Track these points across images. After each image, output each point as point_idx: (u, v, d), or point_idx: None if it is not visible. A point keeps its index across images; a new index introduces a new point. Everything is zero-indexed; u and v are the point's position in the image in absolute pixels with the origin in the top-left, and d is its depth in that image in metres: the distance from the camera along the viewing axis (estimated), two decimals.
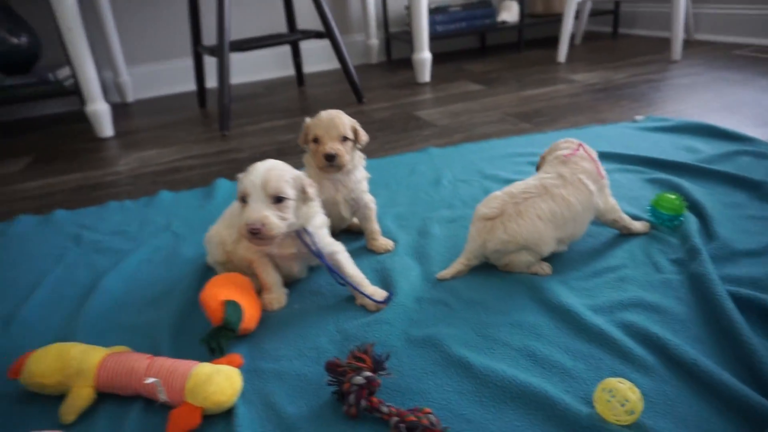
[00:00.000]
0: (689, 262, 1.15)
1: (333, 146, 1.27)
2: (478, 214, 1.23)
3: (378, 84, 3.45)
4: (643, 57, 3.30)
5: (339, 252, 1.21)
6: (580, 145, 1.28)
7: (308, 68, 4.04)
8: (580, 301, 1.08)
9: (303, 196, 1.11)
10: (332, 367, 0.91)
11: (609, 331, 0.98)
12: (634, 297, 1.07)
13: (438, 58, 3.99)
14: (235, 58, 3.82)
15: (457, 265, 1.23)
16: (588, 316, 1.02)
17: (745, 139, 1.78)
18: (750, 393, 0.80)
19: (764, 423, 0.75)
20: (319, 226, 1.19)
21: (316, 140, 1.30)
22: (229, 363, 0.98)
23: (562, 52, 3.42)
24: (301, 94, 3.42)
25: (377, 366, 0.90)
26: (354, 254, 1.38)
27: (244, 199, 1.06)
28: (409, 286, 1.20)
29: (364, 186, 1.39)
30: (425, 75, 3.30)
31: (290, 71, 3.97)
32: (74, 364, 0.95)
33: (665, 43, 3.53)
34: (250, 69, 3.99)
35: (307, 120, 1.34)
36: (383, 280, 1.24)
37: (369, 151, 2.17)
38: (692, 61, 3.05)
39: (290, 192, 1.08)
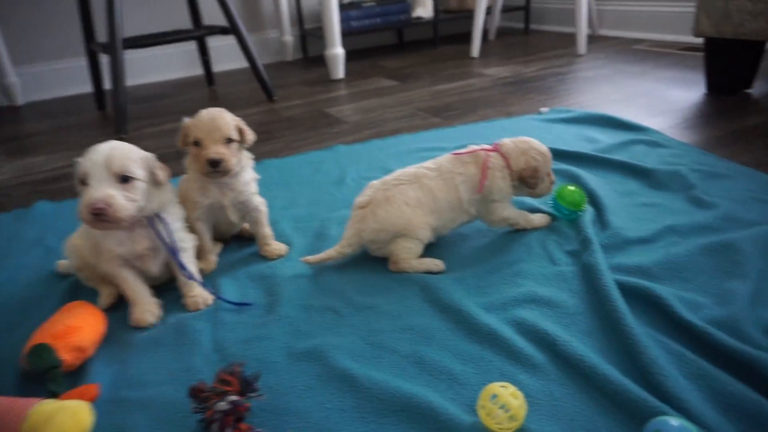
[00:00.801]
0: (582, 252, 1.14)
1: (217, 150, 1.16)
2: (353, 204, 1.22)
3: (291, 81, 3.34)
4: (552, 52, 3.37)
5: (184, 249, 1.13)
6: (496, 148, 1.24)
7: (219, 67, 3.86)
8: (474, 300, 1.03)
9: (154, 179, 1.04)
10: (196, 393, 0.81)
11: (500, 331, 0.93)
12: (528, 292, 1.04)
13: (354, 55, 3.93)
14: (139, 57, 3.59)
15: (330, 252, 1.19)
16: (480, 316, 0.97)
17: (640, 129, 1.82)
18: (632, 387, 0.77)
19: (645, 418, 0.72)
20: (177, 218, 1.12)
21: (197, 143, 1.18)
22: (81, 396, 0.86)
23: (476, 47, 3.44)
24: (211, 93, 3.25)
25: (246, 388, 0.81)
26: (245, 261, 1.29)
27: (84, 182, 0.96)
28: (298, 294, 1.12)
29: (253, 188, 1.29)
30: (339, 71, 3.22)
31: (199, 70, 3.77)
32: None
33: (572, 38, 3.64)
34: (157, 69, 3.76)
35: (186, 120, 1.22)
36: (269, 288, 1.15)
37: (274, 151, 2.07)
38: (596, 54, 3.14)
39: (138, 172, 1.00)
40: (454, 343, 0.94)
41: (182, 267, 1.08)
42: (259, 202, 1.30)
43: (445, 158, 1.24)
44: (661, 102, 2.16)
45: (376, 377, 0.86)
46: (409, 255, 1.16)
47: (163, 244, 1.06)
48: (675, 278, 1.03)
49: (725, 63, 2.08)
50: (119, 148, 1.00)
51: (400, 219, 1.15)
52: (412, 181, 1.19)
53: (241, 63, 3.92)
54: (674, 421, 0.67)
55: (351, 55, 3.91)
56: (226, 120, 1.19)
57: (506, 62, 3.21)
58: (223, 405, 0.77)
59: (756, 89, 2.17)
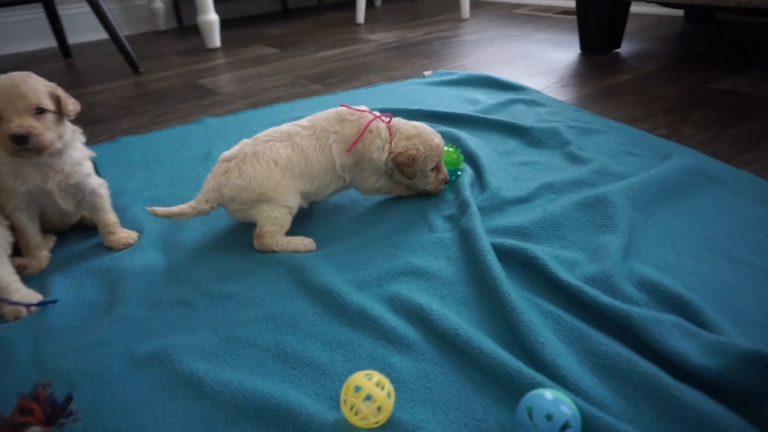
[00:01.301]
0: (460, 217, 1.07)
1: (22, 123, 0.95)
2: (219, 158, 1.09)
3: (163, 52, 3.03)
4: (438, 17, 3.33)
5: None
6: (388, 122, 1.13)
7: (77, 38, 3.43)
8: (346, 277, 0.93)
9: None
10: None
11: (371, 310, 0.84)
12: (403, 264, 0.96)
13: (234, 23, 3.65)
14: None
15: (183, 207, 1.04)
16: (350, 295, 0.88)
17: (520, 89, 1.81)
18: (508, 359, 0.71)
19: (521, 392, 0.66)
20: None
21: None
22: None
23: (360, 13, 3.31)
24: (68, 67, 2.86)
25: (53, 415, 0.65)
26: (85, 254, 1.10)
27: None
28: (145, 289, 0.96)
29: (87, 167, 1.09)
30: (215, 40, 2.96)
31: (52, 42, 3.32)
32: None
33: (456, 4, 3.61)
34: (2, 40, 3.26)
35: None
36: (111, 284, 0.98)
37: (134, 128, 1.83)
38: (480, 19, 3.14)
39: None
40: (321, 328, 0.83)
41: None
42: (97, 184, 1.10)
43: (322, 115, 1.12)
44: (540, 63, 2.17)
45: (228, 378, 0.74)
46: (274, 228, 1.03)
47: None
48: (552, 237, 1.00)
49: (595, 24, 2.12)
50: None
51: (267, 179, 1.03)
52: (284, 139, 1.07)
53: (103, 34, 3.51)
54: (548, 393, 0.61)
55: (230, 23, 3.63)
56: (34, 86, 0.97)
57: (392, 28, 3.12)
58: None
59: (623, 49, 2.25)
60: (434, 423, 0.66)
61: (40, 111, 0.97)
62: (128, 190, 1.35)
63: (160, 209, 1.02)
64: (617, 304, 0.77)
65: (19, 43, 3.33)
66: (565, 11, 3.10)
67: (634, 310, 0.75)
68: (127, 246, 1.10)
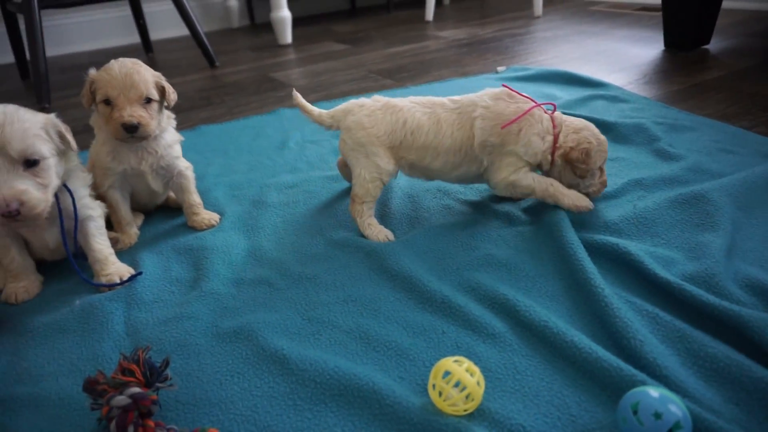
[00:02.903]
0: (542, 210, 1.03)
1: (133, 113, 0.99)
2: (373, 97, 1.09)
3: (236, 47, 3.13)
4: (508, 14, 3.26)
5: (93, 218, 0.97)
6: (551, 113, 1.02)
7: (158, 35, 3.59)
8: (425, 266, 0.92)
9: (61, 146, 0.88)
10: (91, 386, 0.67)
11: (454, 298, 0.82)
12: (483, 255, 0.93)
13: (304, 21, 3.72)
14: (68, 23, 3.29)
15: (314, 109, 1.10)
16: (431, 283, 0.86)
17: (600, 85, 1.73)
18: (604, 355, 0.67)
19: (620, 389, 0.63)
20: (83, 186, 0.96)
21: (107, 102, 1.01)
22: None
23: (430, 10, 3.30)
24: (149, 61, 3.00)
25: (152, 377, 0.68)
26: (171, 233, 1.14)
27: None
28: (228, 268, 0.98)
29: (177, 151, 1.13)
30: (286, 36, 3.02)
31: (136, 38, 3.49)
32: None
33: (527, 2, 3.53)
34: (89, 36, 3.46)
35: (92, 72, 1.04)
36: (196, 262, 1.00)
37: (213, 117, 1.89)
38: (552, 16, 3.05)
39: (45, 149, 0.84)
40: (403, 313, 0.82)
41: (69, 256, 0.92)
42: (185, 167, 1.14)
43: (477, 93, 1.06)
44: (620, 59, 2.08)
45: (313, 357, 0.74)
46: (362, 191, 1.02)
47: (64, 216, 0.90)
48: (644, 234, 0.94)
49: (683, 19, 2.01)
50: (15, 121, 0.81)
51: (382, 135, 1.01)
52: (427, 107, 1.03)
53: (183, 30, 3.66)
54: (654, 391, 0.57)
55: (301, 21, 3.71)
56: (144, 76, 1.01)
57: (461, 25, 3.08)
58: (121, 399, 0.63)
59: (713, 45, 2.12)
60: (525, 415, 0.64)
61: (148, 101, 1.01)
62: (209, 175, 1.39)
63: (299, 97, 1.10)
64: (726, 304, 0.72)
65: (106, 38, 3.53)
66: (645, 7, 2.96)
67: (745, 311, 0.70)
68: (210, 227, 1.13)
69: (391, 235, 1.02)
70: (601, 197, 1.09)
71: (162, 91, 1.05)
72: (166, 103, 1.07)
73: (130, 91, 0.99)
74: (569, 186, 1.03)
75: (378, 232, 1.02)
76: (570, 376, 0.68)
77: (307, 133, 1.61)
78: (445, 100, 1.04)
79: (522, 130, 0.98)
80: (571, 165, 0.99)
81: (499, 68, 2.07)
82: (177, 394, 0.71)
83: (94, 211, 0.97)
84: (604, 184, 1.05)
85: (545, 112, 1.02)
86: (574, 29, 2.68)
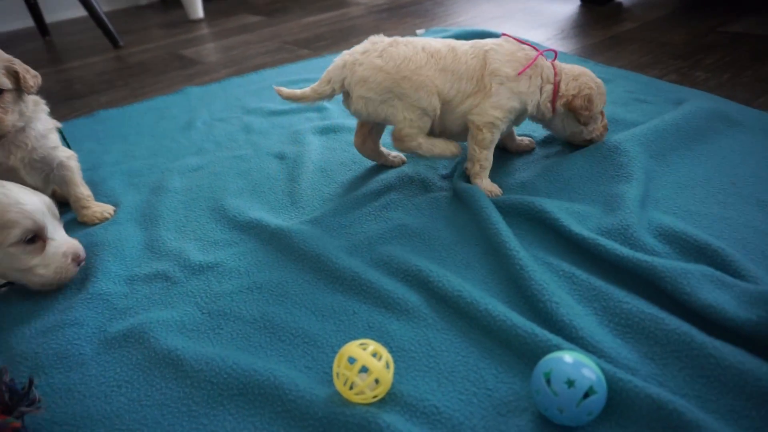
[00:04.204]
0: (458, 175, 0.99)
1: None
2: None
3: (143, 26, 2.90)
4: None
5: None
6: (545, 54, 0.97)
7: (55, 16, 3.29)
8: (335, 243, 0.85)
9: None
10: None
11: (365, 274, 0.77)
12: (397, 226, 0.88)
13: None
14: None
15: (306, 90, 0.96)
16: (341, 260, 0.80)
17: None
18: (519, 321, 0.64)
19: (536, 356, 0.59)
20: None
21: None
22: None
23: None
24: (47, 45, 2.74)
25: (14, 402, 0.58)
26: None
27: (33, 239, 0.79)
28: (119, 264, 0.88)
29: (53, 141, 1.00)
30: (197, 10, 2.83)
31: (29, 21, 3.19)
32: None
33: None
34: None
35: None
36: (85, 261, 0.90)
37: (114, 101, 1.73)
38: None
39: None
40: (312, 296, 0.76)
41: None
42: (65, 157, 1.01)
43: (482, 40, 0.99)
44: (539, 16, 2.06)
45: (210, 355, 0.66)
46: (413, 130, 0.93)
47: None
48: (560, 191, 0.91)
49: None
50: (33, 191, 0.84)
51: (408, 62, 0.90)
52: (441, 41, 0.96)
53: (81, 11, 3.37)
54: (568, 356, 0.54)
55: None
56: None
57: None
58: None
59: None
60: (440, 394, 0.59)
61: None
62: (105, 164, 1.26)
63: (285, 90, 0.98)
64: (639, 255, 0.69)
65: None
66: None
67: (658, 261, 0.67)
68: (103, 220, 1.02)
69: (457, 147, 0.96)
70: (515, 154, 1.06)
71: (16, 77, 0.91)
72: (27, 90, 0.93)
73: None
74: (572, 133, 1.00)
75: (446, 146, 0.95)
76: (486, 348, 0.64)
77: (215, 111, 1.50)
78: (454, 41, 0.97)
79: (533, 77, 0.93)
80: (574, 112, 0.95)
81: (418, 31, 2.00)
82: (53, 415, 0.63)
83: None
84: (605, 128, 1.02)
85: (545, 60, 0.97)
86: None
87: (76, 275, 0.86)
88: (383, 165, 1.08)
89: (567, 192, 0.90)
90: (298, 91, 0.97)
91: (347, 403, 0.58)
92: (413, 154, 0.98)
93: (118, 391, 0.65)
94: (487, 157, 0.94)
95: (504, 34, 0.99)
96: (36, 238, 0.79)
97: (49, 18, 3.20)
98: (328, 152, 1.16)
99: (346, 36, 2.15)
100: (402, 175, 1.03)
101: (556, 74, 0.95)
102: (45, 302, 0.82)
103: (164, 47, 2.39)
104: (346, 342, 0.66)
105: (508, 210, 0.87)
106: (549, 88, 0.95)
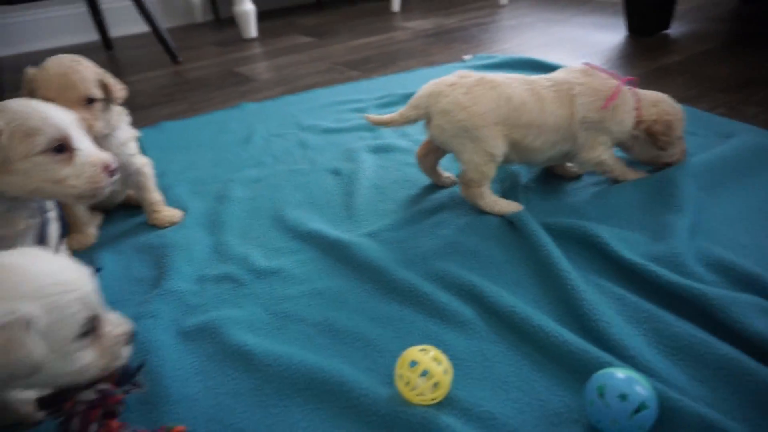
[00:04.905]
0: (508, 195, 1.03)
1: None
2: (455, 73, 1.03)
3: (200, 43, 3.05)
4: (474, 4, 3.26)
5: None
6: (626, 83, 1.01)
7: (118, 31, 3.48)
8: (390, 256, 0.90)
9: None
10: (48, 399, 0.63)
11: (421, 286, 0.81)
12: (449, 243, 0.92)
13: (269, 14, 3.66)
14: (22, 22, 3.17)
15: (393, 115, 1.02)
16: (397, 272, 0.85)
17: None
18: (571, 338, 0.67)
19: (588, 372, 0.62)
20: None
21: None
22: None
23: (396, 1, 3.27)
24: (110, 59, 2.91)
25: (123, 378, 0.65)
26: (131, 232, 1.11)
27: (60, 148, 0.74)
28: (190, 265, 0.95)
29: (132, 148, 1.08)
30: (251, 30, 2.96)
31: (95, 35, 3.39)
32: None
33: None
34: (46, 33, 3.34)
35: (29, 71, 0.97)
36: (158, 260, 0.97)
37: (175, 114, 1.84)
38: (518, 5, 3.06)
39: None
40: (370, 304, 0.81)
41: None
42: (141, 164, 1.10)
43: (562, 70, 1.04)
44: (585, 45, 2.10)
45: (278, 352, 0.72)
46: (478, 176, 0.96)
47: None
48: (609, 217, 0.94)
49: (644, 5, 2.04)
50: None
51: (490, 112, 0.93)
52: (523, 83, 0.99)
53: (144, 27, 3.56)
54: (620, 372, 0.57)
55: (266, 15, 3.64)
56: (84, 74, 0.95)
57: (428, 15, 3.07)
58: (88, 393, 0.60)
59: (673, 29, 2.15)
60: (494, 401, 0.63)
61: (90, 101, 0.96)
62: (170, 172, 1.35)
63: (373, 116, 1.05)
64: (690, 283, 0.72)
65: (61, 37, 3.41)
66: None
67: (708, 288, 0.70)
68: (172, 224, 1.10)
69: (517, 206, 0.98)
70: (565, 180, 1.09)
71: (105, 89, 1.00)
72: (113, 101, 1.02)
73: (68, 93, 0.93)
74: (651, 157, 1.04)
75: (507, 205, 0.98)
76: (538, 361, 0.68)
77: (272, 127, 1.58)
78: (536, 77, 1.01)
79: (617, 108, 0.98)
80: (653, 138, 0.99)
81: (465, 57, 2.06)
82: (138, 395, 0.69)
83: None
84: (684, 153, 1.05)
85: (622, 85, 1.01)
86: (539, 17, 2.69)
87: (151, 272, 0.93)
88: (435, 184, 1.13)
89: (615, 219, 0.93)
90: (386, 117, 1.03)
91: (408, 403, 0.62)
92: (474, 204, 1.00)
93: (194, 377, 0.71)
94: (618, 165, 1.02)
95: (585, 64, 1.02)
96: (63, 147, 0.75)
97: (113, 33, 3.39)
98: (382, 170, 1.22)
99: (394, 59, 2.23)
100: (454, 196, 1.08)
101: (637, 101, 1.00)
102: (125, 295, 0.89)
103: (220, 64, 2.51)
104: (405, 348, 0.70)
105: (557, 232, 0.90)
106: (633, 114, 0.99)
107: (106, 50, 3.09)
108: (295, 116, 1.64)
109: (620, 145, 1.04)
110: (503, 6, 3.05)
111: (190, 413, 0.66)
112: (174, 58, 2.64)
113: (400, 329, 0.76)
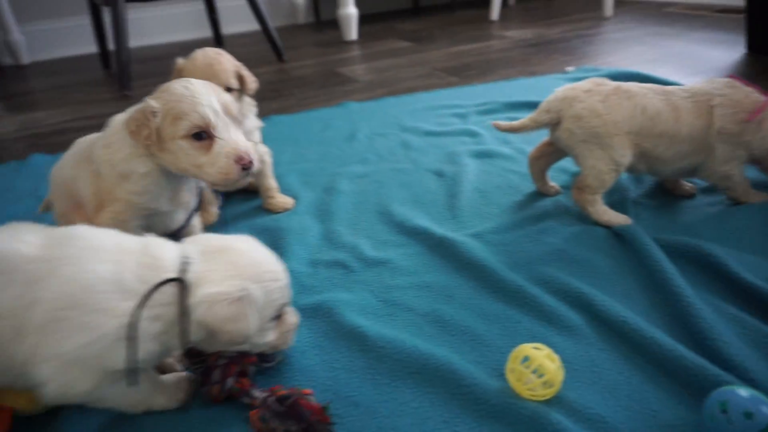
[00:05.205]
0: (618, 208, 1.02)
1: None
2: (591, 79, 1.02)
3: (302, 43, 3.21)
4: (576, 15, 3.20)
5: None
6: None
7: (228, 29, 3.72)
8: (495, 258, 0.92)
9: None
10: (194, 351, 0.72)
11: (528, 289, 0.83)
12: (555, 250, 0.93)
13: (367, 18, 3.77)
14: (145, 17, 3.46)
15: (524, 120, 1.03)
16: (504, 273, 0.87)
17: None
18: (687, 354, 0.67)
19: (704, 389, 0.62)
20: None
21: None
22: None
23: (495, 10, 3.27)
24: None
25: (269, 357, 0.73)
26: (249, 214, 1.20)
27: (200, 135, 0.79)
28: (304, 249, 1.02)
29: (257, 137, 1.18)
30: (352, 32, 3.07)
31: (208, 32, 3.64)
32: None
33: (596, 3, 3.45)
34: (163, 29, 3.63)
35: (179, 61, 1.09)
36: (273, 242, 1.05)
37: (283, 108, 1.96)
38: (623, 18, 2.97)
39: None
40: (477, 302, 0.83)
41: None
42: (263, 152, 1.19)
43: (703, 81, 1.02)
44: (699, 62, 2.01)
45: (390, 335, 0.76)
46: (596, 183, 0.97)
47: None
48: (728, 237, 0.92)
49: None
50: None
51: (623, 123, 0.94)
52: (659, 93, 0.98)
53: (251, 26, 3.78)
54: (743, 391, 0.57)
55: (364, 19, 3.75)
56: (225, 66, 1.06)
57: (527, 25, 3.05)
58: (229, 352, 0.68)
59: None
60: (604, 407, 0.64)
61: (228, 90, 1.06)
62: (281, 162, 1.44)
63: (503, 123, 1.06)
64: None
65: (178, 32, 3.69)
66: (726, 9, 2.84)
67: None
68: (285, 210, 1.18)
69: (627, 219, 0.98)
70: (678, 198, 1.07)
71: (241, 80, 1.10)
72: (246, 92, 1.12)
73: (211, 81, 1.04)
74: None
75: (616, 217, 0.98)
76: (649, 373, 0.68)
77: (375, 126, 1.65)
78: (673, 87, 1.01)
79: (763, 122, 0.96)
80: None
81: (568, 68, 2.04)
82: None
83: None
84: None
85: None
86: (647, 31, 2.60)
87: None
88: (539, 191, 1.14)
89: (734, 241, 0.90)
90: (516, 123, 1.05)
91: (519, 397, 0.64)
92: (583, 209, 1.01)
93: (311, 351, 0.77)
94: (744, 184, 0.99)
95: (731, 77, 1.00)
96: (204, 134, 0.79)
97: (224, 30, 3.63)
98: (485, 175, 1.25)
99: (493, 67, 2.24)
100: (559, 205, 1.08)
101: None
102: None
103: (322, 64, 2.63)
104: (512, 346, 0.72)
105: (669, 249, 0.89)
106: None
107: (216, 46, 3.31)
108: (397, 117, 1.70)
109: (756, 161, 1.00)
110: (608, 18, 2.97)
111: (308, 382, 0.71)
112: (280, 56, 2.79)
113: (506, 327, 0.78)
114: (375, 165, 1.37)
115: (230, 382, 0.68)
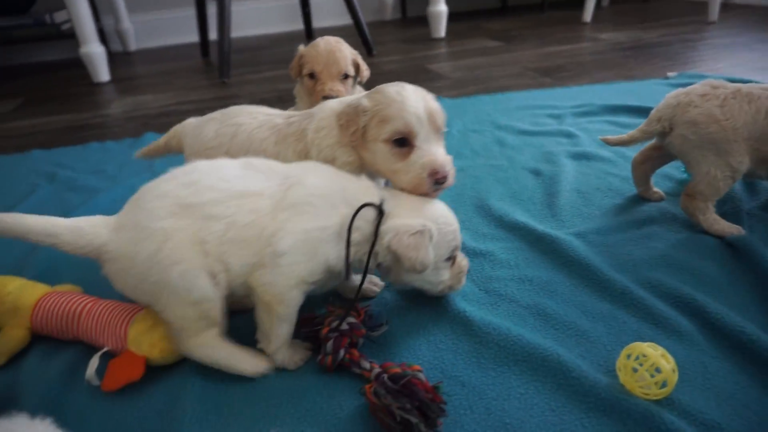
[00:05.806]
0: (730, 218, 0.99)
1: (333, 87, 1.11)
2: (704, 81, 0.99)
3: (390, 39, 3.26)
4: (675, 18, 3.06)
5: None
6: None
7: (319, 23, 3.84)
8: (600, 258, 0.92)
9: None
10: (307, 321, 0.77)
11: (635, 290, 0.82)
12: (661, 255, 0.92)
13: (454, 17, 3.77)
14: (241, 10, 3.63)
15: (633, 133, 1.02)
16: (609, 273, 0.87)
17: None
18: None
19: None
20: None
21: (312, 75, 1.14)
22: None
23: (588, 11, 3.18)
24: None
25: (368, 321, 0.77)
26: None
27: (402, 141, 0.78)
28: None
29: None
30: (440, 30, 3.09)
31: (299, 25, 3.77)
32: (9, 299, 0.82)
33: (698, 6, 3.28)
34: (257, 22, 3.80)
35: (301, 48, 1.17)
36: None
37: None
38: (729, 23, 2.81)
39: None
40: (581, 299, 0.84)
41: None
42: None
43: None
44: None
45: (496, 323, 0.78)
46: (709, 191, 0.94)
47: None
48: None
49: None
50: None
51: (744, 127, 0.90)
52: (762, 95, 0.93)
53: (341, 20, 3.88)
54: None
55: (450, 17, 3.76)
56: (345, 53, 1.13)
57: (622, 28, 2.95)
58: (341, 325, 0.73)
59: None
60: (719, 413, 0.63)
61: (345, 76, 1.12)
62: None
63: (612, 137, 1.07)
64: None
65: (273, 25, 3.85)
66: None
67: None
68: None
69: (738, 230, 0.94)
70: None
71: (357, 68, 1.15)
72: (359, 79, 1.17)
73: (332, 67, 1.11)
74: None
75: (729, 227, 0.95)
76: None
77: (468, 122, 1.66)
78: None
79: None
80: None
81: (670, 74, 1.96)
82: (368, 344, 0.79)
83: None
84: None
85: None
86: (757, 37, 2.45)
87: None
88: (641, 195, 1.12)
89: None
90: (625, 136, 1.03)
91: (629, 393, 0.65)
92: (692, 217, 0.98)
93: (417, 332, 0.80)
94: None
95: None
96: (405, 141, 0.78)
97: (314, 24, 3.75)
98: (583, 177, 1.23)
99: (588, 70, 2.19)
100: (664, 211, 1.06)
101: None
102: None
103: (410, 60, 2.66)
104: (618, 345, 0.73)
105: None
106: None
107: (307, 39, 3.43)
108: (490, 115, 1.70)
109: None
110: (712, 23, 2.82)
111: (415, 360, 0.75)
112: (370, 51, 2.85)
113: (612, 326, 0.78)
114: (470, 160, 1.39)
115: (342, 353, 0.72)
